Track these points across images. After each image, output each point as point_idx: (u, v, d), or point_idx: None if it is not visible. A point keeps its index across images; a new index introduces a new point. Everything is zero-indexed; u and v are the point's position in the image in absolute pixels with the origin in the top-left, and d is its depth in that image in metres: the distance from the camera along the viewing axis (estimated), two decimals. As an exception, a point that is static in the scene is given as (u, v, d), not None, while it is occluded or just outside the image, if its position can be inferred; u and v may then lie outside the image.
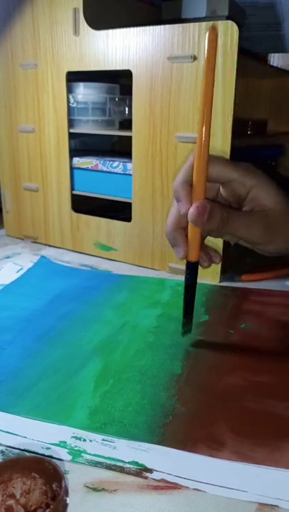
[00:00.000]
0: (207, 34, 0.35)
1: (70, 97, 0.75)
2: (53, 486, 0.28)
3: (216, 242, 0.65)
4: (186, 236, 0.40)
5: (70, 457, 0.33)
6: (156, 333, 0.51)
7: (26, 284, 0.65)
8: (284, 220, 0.39)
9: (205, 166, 0.37)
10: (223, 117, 0.59)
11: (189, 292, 0.44)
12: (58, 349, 0.48)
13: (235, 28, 0.55)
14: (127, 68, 0.65)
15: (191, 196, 0.38)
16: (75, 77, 0.74)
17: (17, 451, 0.34)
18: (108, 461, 0.33)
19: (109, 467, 0.33)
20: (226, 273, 0.68)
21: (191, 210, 0.37)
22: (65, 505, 0.27)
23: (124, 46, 0.65)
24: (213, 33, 0.35)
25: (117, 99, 0.77)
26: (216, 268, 0.66)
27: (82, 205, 0.80)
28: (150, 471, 0.32)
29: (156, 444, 0.34)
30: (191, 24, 0.58)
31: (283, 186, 0.40)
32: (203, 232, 0.40)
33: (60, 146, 0.76)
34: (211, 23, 0.57)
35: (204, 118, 0.36)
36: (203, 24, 0.58)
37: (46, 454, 0.33)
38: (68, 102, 0.74)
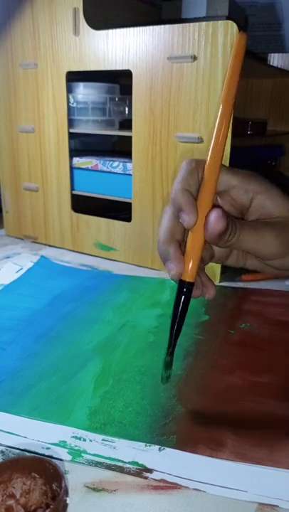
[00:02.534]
0: (235, 40, 0.34)
1: (70, 97, 0.75)
2: (53, 486, 0.28)
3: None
4: (181, 251, 0.34)
5: (70, 457, 0.33)
6: (156, 333, 0.51)
7: (26, 284, 0.65)
8: None
9: (217, 170, 0.33)
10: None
11: (178, 321, 0.35)
12: (58, 349, 0.48)
13: (236, 28, 0.55)
14: (127, 68, 0.65)
15: (200, 206, 0.33)
16: (75, 77, 0.74)
17: (17, 451, 0.34)
18: (108, 461, 0.33)
19: (109, 467, 0.33)
20: (225, 273, 0.68)
21: (213, 220, 0.31)
22: (65, 505, 0.27)
23: (124, 46, 0.65)
24: (242, 39, 0.33)
25: (117, 99, 0.77)
26: (216, 268, 0.66)
27: (82, 205, 0.80)
28: (150, 471, 0.32)
29: (156, 444, 0.34)
30: (191, 24, 0.58)
31: (286, 187, 0.38)
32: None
33: (60, 146, 0.76)
34: (211, 23, 0.57)
35: (223, 122, 0.33)
36: (203, 24, 0.57)
37: (46, 454, 0.33)
38: (68, 102, 0.74)
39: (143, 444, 0.34)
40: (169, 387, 0.41)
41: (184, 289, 0.33)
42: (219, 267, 0.66)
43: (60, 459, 0.33)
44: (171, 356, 0.36)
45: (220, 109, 0.33)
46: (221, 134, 0.32)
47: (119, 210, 0.76)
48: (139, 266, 0.73)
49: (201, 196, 0.33)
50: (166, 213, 0.35)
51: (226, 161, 0.61)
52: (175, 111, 0.63)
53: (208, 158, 0.33)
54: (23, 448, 0.34)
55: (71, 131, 0.75)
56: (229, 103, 0.33)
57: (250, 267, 0.38)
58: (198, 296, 0.35)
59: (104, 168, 0.75)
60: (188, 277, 0.33)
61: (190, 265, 0.33)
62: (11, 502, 0.28)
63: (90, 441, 0.35)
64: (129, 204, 0.72)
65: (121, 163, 0.73)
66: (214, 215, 0.31)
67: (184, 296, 0.34)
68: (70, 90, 0.74)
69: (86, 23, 0.67)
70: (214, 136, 0.33)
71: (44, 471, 0.29)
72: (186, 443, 0.34)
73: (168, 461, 0.33)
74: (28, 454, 0.34)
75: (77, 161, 0.77)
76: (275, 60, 1.06)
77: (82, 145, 0.90)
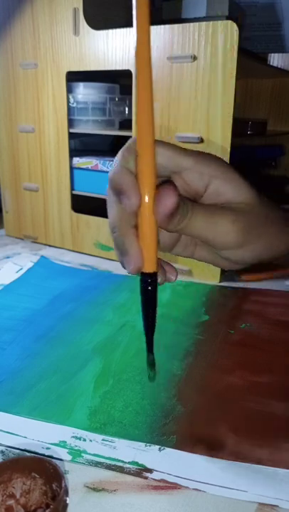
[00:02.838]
0: None
1: (70, 97, 0.75)
2: (53, 486, 0.28)
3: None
4: (137, 237, 0.29)
5: (70, 457, 0.33)
6: (155, 333, 0.51)
7: (26, 284, 0.65)
8: (262, 218, 0.30)
9: (152, 142, 0.27)
10: (223, 117, 0.59)
11: (149, 317, 0.32)
12: (58, 349, 0.48)
13: (235, 28, 0.55)
14: (127, 68, 0.65)
15: (142, 184, 0.27)
16: (75, 77, 0.74)
17: (17, 451, 0.34)
18: (108, 461, 0.33)
19: (109, 467, 0.33)
20: (225, 273, 0.68)
21: (165, 203, 0.27)
22: (65, 505, 0.27)
23: (124, 46, 0.65)
24: None
25: (117, 99, 0.77)
26: (216, 268, 0.66)
27: (82, 205, 0.80)
28: (150, 471, 0.32)
29: (156, 444, 0.34)
30: (191, 24, 0.58)
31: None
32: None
33: (60, 146, 0.76)
34: (211, 23, 0.57)
35: (143, 72, 0.28)
36: (203, 24, 0.57)
37: (46, 454, 0.33)
38: (68, 102, 0.74)
39: (143, 444, 0.34)
40: (169, 387, 0.41)
41: (149, 280, 0.30)
42: (219, 267, 0.66)
43: (60, 459, 0.33)
44: (152, 354, 0.34)
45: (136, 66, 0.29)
46: (145, 95, 0.27)
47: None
48: (139, 266, 0.73)
49: (140, 173, 0.27)
50: (109, 198, 0.30)
51: (226, 161, 0.61)
52: (175, 111, 0.63)
53: (136, 125, 0.27)
54: (23, 448, 0.34)
55: (71, 131, 0.75)
56: (144, 46, 0.28)
57: (198, 257, 0.33)
58: (162, 284, 0.31)
59: (104, 168, 0.75)
60: (149, 268, 0.29)
61: (149, 254, 0.29)
62: (11, 502, 0.28)
63: (90, 441, 0.35)
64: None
65: (121, 163, 0.72)
66: (163, 192, 0.27)
67: (150, 288, 0.30)
68: (70, 90, 0.74)
69: (86, 23, 0.67)
70: (137, 99, 0.27)
71: (44, 471, 0.29)
72: (186, 443, 0.34)
73: (168, 461, 0.33)
74: (28, 454, 0.34)
75: (77, 161, 0.77)
76: (275, 60, 1.06)
77: (82, 145, 0.90)
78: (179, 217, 0.28)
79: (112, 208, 0.30)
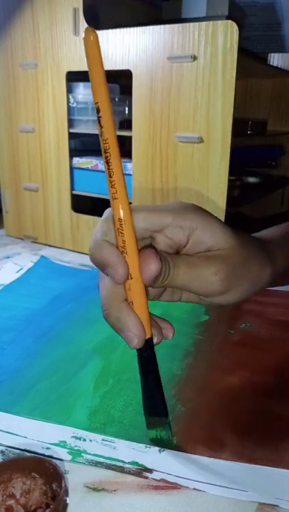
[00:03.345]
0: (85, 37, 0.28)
1: (70, 97, 0.75)
2: (53, 486, 0.28)
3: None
4: (133, 311, 0.30)
5: (70, 457, 0.33)
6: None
7: (26, 284, 0.65)
8: (243, 259, 0.31)
9: (129, 212, 0.28)
10: (223, 117, 0.59)
11: (153, 382, 0.32)
12: (58, 349, 0.48)
13: (235, 28, 0.55)
14: (127, 68, 0.65)
15: (127, 253, 0.28)
16: (75, 77, 0.74)
17: (17, 451, 0.34)
18: (108, 461, 0.33)
19: (109, 467, 0.33)
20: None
21: (150, 267, 0.28)
22: (65, 505, 0.27)
23: (124, 46, 0.65)
24: (91, 36, 0.28)
25: (117, 99, 0.77)
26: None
27: (82, 205, 0.80)
28: (150, 471, 0.32)
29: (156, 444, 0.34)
30: (191, 24, 0.58)
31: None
32: None
33: (60, 146, 0.76)
34: (211, 23, 0.57)
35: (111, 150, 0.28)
36: (203, 24, 0.57)
37: (46, 454, 0.33)
38: (68, 102, 0.74)
39: (143, 445, 0.34)
40: (169, 387, 0.41)
41: (145, 347, 0.30)
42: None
43: (60, 459, 0.33)
44: (167, 417, 0.33)
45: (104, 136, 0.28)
46: (117, 164, 0.28)
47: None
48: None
49: (120, 241, 0.28)
50: (100, 280, 0.31)
51: (226, 161, 0.61)
52: (175, 111, 0.63)
53: (111, 195, 0.28)
54: (23, 448, 0.34)
55: (71, 131, 0.75)
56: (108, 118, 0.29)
57: (186, 300, 0.34)
58: (159, 343, 0.32)
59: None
60: (146, 334, 0.30)
61: (143, 321, 0.30)
62: (11, 502, 0.28)
63: (90, 441, 0.35)
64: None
65: (121, 163, 0.72)
66: (145, 259, 0.28)
67: (147, 355, 0.31)
68: (70, 90, 0.74)
69: (86, 23, 0.67)
70: (109, 169, 0.28)
71: (44, 471, 0.29)
72: (186, 443, 0.34)
73: (168, 461, 0.33)
74: (28, 454, 0.34)
75: (77, 161, 0.77)
76: (275, 60, 1.06)
77: (82, 145, 0.90)
78: (162, 277, 0.29)
79: (101, 286, 0.31)
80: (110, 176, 0.28)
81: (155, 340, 0.31)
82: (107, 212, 0.30)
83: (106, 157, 0.27)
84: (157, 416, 0.33)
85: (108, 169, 0.28)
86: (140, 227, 0.30)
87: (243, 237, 0.32)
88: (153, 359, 0.31)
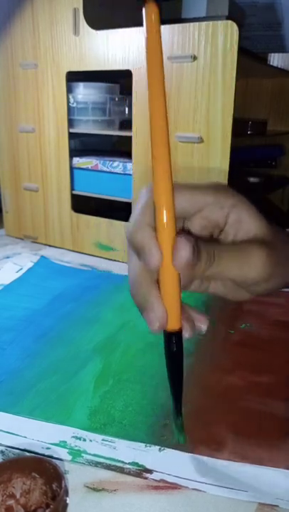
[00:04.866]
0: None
1: (70, 97, 0.75)
2: (53, 486, 0.28)
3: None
4: (160, 293, 0.28)
5: (70, 457, 0.33)
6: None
7: (26, 284, 0.65)
8: (282, 246, 0.29)
9: (171, 192, 0.26)
10: (223, 117, 0.59)
11: (177, 379, 0.29)
12: (58, 349, 0.48)
13: (235, 28, 0.55)
14: (127, 68, 0.65)
15: (161, 237, 0.26)
16: (75, 77, 0.74)
17: (17, 451, 0.34)
18: (108, 462, 0.33)
19: (109, 467, 0.33)
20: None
21: (181, 254, 0.26)
22: (65, 505, 0.27)
23: (124, 46, 0.65)
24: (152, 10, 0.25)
25: (117, 99, 0.77)
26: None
27: (82, 205, 0.80)
28: (150, 471, 0.32)
29: (156, 444, 0.34)
30: (191, 24, 0.58)
31: (275, 217, 0.33)
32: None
33: (60, 146, 0.76)
34: (211, 23, 0.57)
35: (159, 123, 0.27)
36: (203, 24, 0.57)
37: (46, 454, 0.33)
38: (68, 102, 0.74)
39: (143, 445, 0.34)
40: (169, 387, 0.41)
41: (174, 339, 0.28)
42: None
43: (60, 459, 0.33)
44: (181, 417, 0.31)
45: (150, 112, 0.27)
46: (162, 143, 0.27)
47: (119, 210, 0.76)
48: (139, 266, 0.73)
49: (160, 228, 0.26)
50: (129, 257, 0.29)
51: (226, 161, 0.61)
52: (175, 111, 0.63)
53: (155, 177, 0.26)
54: (23, 448, 0.34)
55: (71, 131, 0.75)
56: (160, 100, 0.27)
57: (212, 291, 0.31)
58: (192, 336, 0.29)
59: (105, 168, 0.75)
60: (174, 325, 0.28)
61: (173, 310, 0.27)
62: (11, 502, 0.28)
63: (90, 441, 0.35)
64: (129, 204, 0.72)
65: (121, 163, 0.73)
66: (178, 245, 0.26)
67: (176, 349, 0.28)
68: (70, 90, 0.74)
69: (86, 23, 0.67)
70: (154, 147, 0.27)
71: (44, 471, 0.29)
72: (186, 443, 0.34)
73: (168, 462, 0.33)
74: (28, 454, 0.34)
75: (77, 161, 0.77)
76: (275, 60, 1.06)
77: (82, 145, 0.90)
78: (203, 266, 0.27)
79: (131, 264, 0.29)
80: (152, 150, 0.27)
81: (187, 334, 0.28)
82: (147, 192, 0.28)
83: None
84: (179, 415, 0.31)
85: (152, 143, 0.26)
86: (181, 208, 0.28)
87: (274, 224, 0.30)
88: (180, 355, 0.28)
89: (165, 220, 0.26)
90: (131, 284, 0.28)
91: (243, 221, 0.29)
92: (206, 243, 0.28)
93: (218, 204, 0.29)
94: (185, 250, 0.26)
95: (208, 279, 0.31)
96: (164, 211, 0.26)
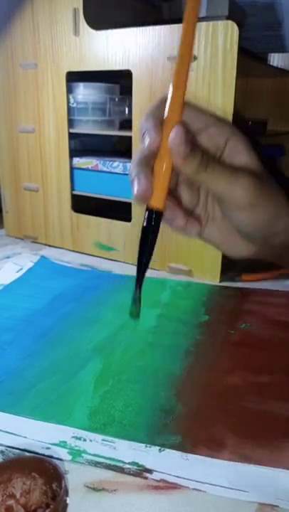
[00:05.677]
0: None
1: (70, 97, 0.75)
2: (53, 486, 0.28)
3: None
4: (152, 173, 0.30)
5: (70, 457, 0.33)
6: (155, 333, 0.51)
7: (26, 284, 0.65)
8: (269, 185, 0.32)
9: (182, 97, 0.30)
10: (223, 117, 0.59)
11: (144, 254, 0.32)
12: (58, 349, 0.48)
13: (236, 28, 0.55)
14: (127, 68, 0.65)
15: (164, 127, 0.30)
16: (75, 77, 0.74)
17: (17, 451, 0.34)
18: (108, 461, 0.33)
19: (109, 467, 0.33)
20: (226, 273, 0.68)
21: (173, 134, 0.29)
22: (65, 505, 0.27)
23: (124, 46, 0.65)
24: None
25: (117, 99, 0.77)
26: (216, 268, 0.66)
27: (82, 205, 0.80)
28: (150, 471, 0.32)
29: (156, 444, 0.34)
30: (191, 24, 0.58)
31: (284, 184, 0.36)
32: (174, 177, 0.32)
33: (60, 146, 0.76)
34: (211, 23, 0.57)
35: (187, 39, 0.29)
36: (203, 24, 0.58)
37: (46, 454, 0.33)
38: (68, 102, 0.74)
39: (143, 445, 0.34)
40: (169, 387, 0.41)
41: (152, 216, 0.30)
42: (219, 266, 0.66)
43: (60, 459, 0.33)
44: (139, 290, 0.33)
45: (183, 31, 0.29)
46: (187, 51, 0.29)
47: (119, 210, 0.76)
48: (139, 266, 0.73)
49: (166, 116, 0.29)
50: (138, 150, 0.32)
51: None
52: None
53: (173, 83, 0.30)
54: (23, 448, 0.34)
55: (71, 131, 0.75)
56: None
57: (208, 237, 0.35)
58: (182, 227, 0.33)
59: (105, 168, 0.75)
60: (156, 203, 0.30)
61: (158, 191, 0.30)
62: (11, 502, 0.28)
63: (90, 441, 0.35)
64: (129, 204, 0.72)
65: (121, 163, 0.73)
66: (174, 131, 0.29)
67: (152, 224, 0.30)
68: (70, 90, 0.74)
69: (86, 23, 0.67)
70: (180, 52, 0.29)
71: (44, 471, 0.29)
72: (186, 443, 0.34)
73: (168, 462, 0.33)
74: (28, 454, 0.34)
75: (77, 161, 0.77)
76: (275, 60, 1.06)
77: (82, 145, 0.90)
78: (196, 165, 0.30)
79: (137, 153, 0.31)
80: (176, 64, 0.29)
81: (179, 221, 0.32)
82: (160, 99, 0.31)
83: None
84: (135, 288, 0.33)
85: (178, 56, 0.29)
86: (187, 118, 0.31)
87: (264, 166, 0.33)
88: (154, 233, 0.31)
89: (171, 110, 0.29)
90: (132, 162, 0.31)
91: (239, 151, 0.32)
92: (203, 152, 0.30)
93: (220, 128, 0.32)
94: (181, 130, 0.29)
95: (197, 190, 0.34)
96: (173, 104, 0.29)
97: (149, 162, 0.30)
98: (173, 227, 0.33)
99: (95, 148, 0.91)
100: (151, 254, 0.32)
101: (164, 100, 0.30)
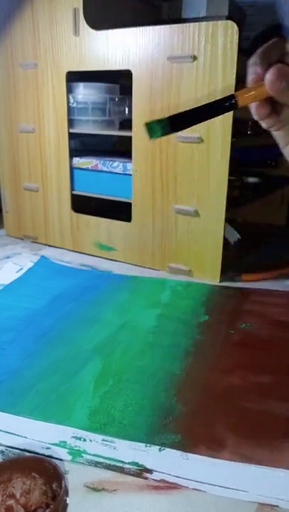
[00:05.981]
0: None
1: (70, 97, 0.75)
2: (53, 486, 0.28)
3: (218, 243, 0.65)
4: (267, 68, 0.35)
5: (70, 457, 0.33)
6: (156, 333, 0.51)
7: (26, 284, 0.65)
8: None
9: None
10: (223, 117, 0.59)
11: (207, 113, 0.40)
12: (58, 349, 0.48)
13: (235, 28, 0.55)
14: (127, 68, 0.65)
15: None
16: (75, 77, 0.74)
17: (17, 451, 0.34)
18: (108, 461, 0.33)
19: (109, 467, 0.33)
20: (226, 273, 0.68)
21: (273, 70, 0.35)
22: (65, 505, 0.27)
23: (124, 46, 0.65)
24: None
25: (117, 99, 0.77)
26: (216, 268, 0.66)
27: (82, 205, 0.80)
28: (150, 471, 0.32)
29: (156, 444, 0.34)
30: (191, 24, 0.58)
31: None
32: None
33: (60, 146, 0.76)
34: (211, 23, 0.57)
35: None
36: (203, 24, 0.57)
37: (46, 454, 0.33)
38: (68, 102, 0.74)
39: (143, 445, 0.34)
40: (169, 387, 0.41)
41: (232, 100, 0.37)
42: (219, 266, 0.66)
43: (60, 459, 0.33)
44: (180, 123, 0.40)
45: None
46: None
47: (119, 210, 0.76)
48: (140, 266, 0.73)
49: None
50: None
51: (226, 161, 0.61)
52: (175, 111, 0.62)
53: None
54: (23, 448, 0.34)
55: (71, 131, 0.75)
56: None
57: (280, 134, 0.40)
58: (263, 117, 0.38)
59: (105, 168, 0.75)
60: (240, 96, 0.36)
61: (249, 93, 0.36)
62: (11, 502, 0.28)
63: (90, 441, 0.35)
64: (129, 204, 0.72)
65: (121, 163, 0.73)
66: (271, 70, 0.34)
67: (227, 104, 0.37)
68: (70, 90, 0.74)
69: (86, 23, 0.67)
70: None
71: (44, 471, 0.29)
72: (186, 443, 0.34)
73: (168, 462, 0.33)
74: (28, 454, 0.34)
75: (77, 161, 0.77)
76: (275, 60, 1.06)
77: (82, 145, 0.90)
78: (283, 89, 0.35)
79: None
80: None
81: (262, 113, 0.38)
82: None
83: None
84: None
85: None
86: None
87: None
88: (220, 109, 0.39)
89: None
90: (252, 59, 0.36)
91: None
92: None
93: None
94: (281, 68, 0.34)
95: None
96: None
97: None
98: (257, 115, 0.39)
99: (95, 148, 0.91)
100: (209, 117, 0.39)
101: (271, 45, 0.36)
